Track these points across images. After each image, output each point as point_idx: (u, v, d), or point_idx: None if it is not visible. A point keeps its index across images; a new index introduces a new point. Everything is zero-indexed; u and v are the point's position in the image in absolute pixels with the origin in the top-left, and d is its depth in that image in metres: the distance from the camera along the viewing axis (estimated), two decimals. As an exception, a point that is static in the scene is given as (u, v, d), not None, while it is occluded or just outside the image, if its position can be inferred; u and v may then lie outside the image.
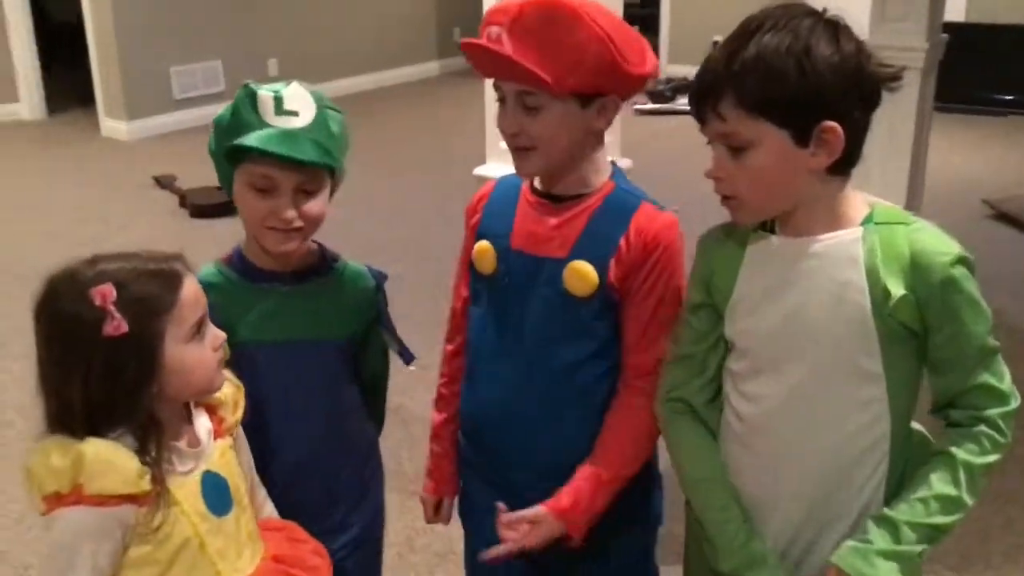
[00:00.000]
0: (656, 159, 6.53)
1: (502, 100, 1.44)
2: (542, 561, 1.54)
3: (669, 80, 8.45)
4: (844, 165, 1.24)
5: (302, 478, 1.62)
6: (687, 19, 8.93)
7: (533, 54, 1.34)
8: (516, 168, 1.48)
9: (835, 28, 1.22)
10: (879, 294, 1.23)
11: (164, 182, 5.50)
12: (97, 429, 1.26)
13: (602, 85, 1.40)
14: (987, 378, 1.26)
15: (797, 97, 1.19)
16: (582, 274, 1.44)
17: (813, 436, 1.30)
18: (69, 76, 7.63)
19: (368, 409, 1.72)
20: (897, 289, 1.22)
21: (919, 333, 1.26)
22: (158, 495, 1.26)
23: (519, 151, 1.44)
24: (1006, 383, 1.28)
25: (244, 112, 1.47)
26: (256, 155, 1.44)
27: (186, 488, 1.31)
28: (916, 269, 1.23)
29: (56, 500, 1.24)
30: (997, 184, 5.68)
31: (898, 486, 1.31)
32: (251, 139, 1.43)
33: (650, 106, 7.78)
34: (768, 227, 1.32)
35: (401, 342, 1.69)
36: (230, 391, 1.42)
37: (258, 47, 7.44)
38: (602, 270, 1.44)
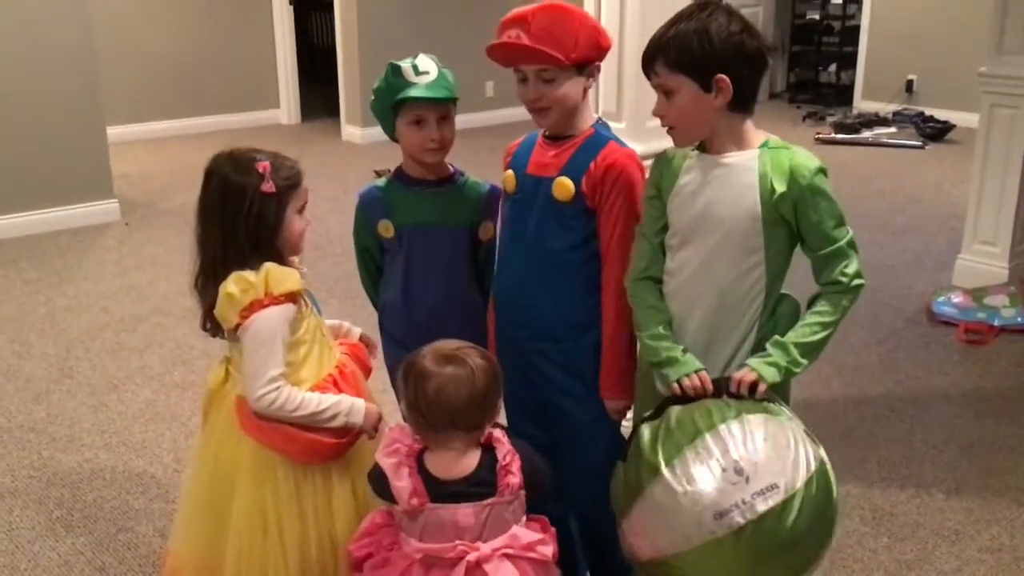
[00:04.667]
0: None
1: (523, 80, 2.06)
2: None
3: (860, 115, 8.86)
4: (739, 105, 1.89)
5: (434, 321, 2.39)
6: (882, 58, 9.25)
7: (547, 42, 1.97)
8: (537, 122, 2.12)
9: (728, 15, 1.87)
10: (767, 191, 1.87)
11: (381, 174, 6.59)
12: (249, 261, 1.94)
13: (590, 56, 2.04)
14: (836, 254, 1.89)
15: (698, 59, 1.85)
16: (563, 185, 2.08)
17: (714, 286, 1.95)
18: (323, 91, 9.00)
19: (478, 283, 2.52)
20: (780, 187, 1.87)
21: (790, 222, 1.89)
22: (301, 296, 2.02)
23: (540, 111, 2.07)
24: (849, 268, 1.89)
25: (394, 79, 2.28)
26: (412, 102, 2.27)
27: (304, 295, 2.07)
28: (792, 175, 1.87)
29: (250, 309, 1.92)
30: None
31: (768, 323, 1.96)
32: (410, 92, 2.26)
33: (832, 135, 8.22)
34: (700, 148, 1.98)
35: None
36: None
37: (478, 69, 8.48)
38: (577, 183, 2.07)
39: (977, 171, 4.71)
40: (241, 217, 1.96)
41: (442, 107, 2.30)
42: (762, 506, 1.71)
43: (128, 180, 6.55)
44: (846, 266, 1.90)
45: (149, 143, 7.90)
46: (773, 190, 1.88)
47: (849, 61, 9.67)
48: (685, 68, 1.87)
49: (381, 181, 2.47)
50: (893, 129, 8.39)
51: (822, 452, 1.84)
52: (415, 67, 2.29)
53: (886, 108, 8.94)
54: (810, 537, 1.77)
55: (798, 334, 1.91)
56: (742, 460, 1.75)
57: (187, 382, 3.80)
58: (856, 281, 1.91)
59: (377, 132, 8.00)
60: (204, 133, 8.10)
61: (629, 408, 2.21)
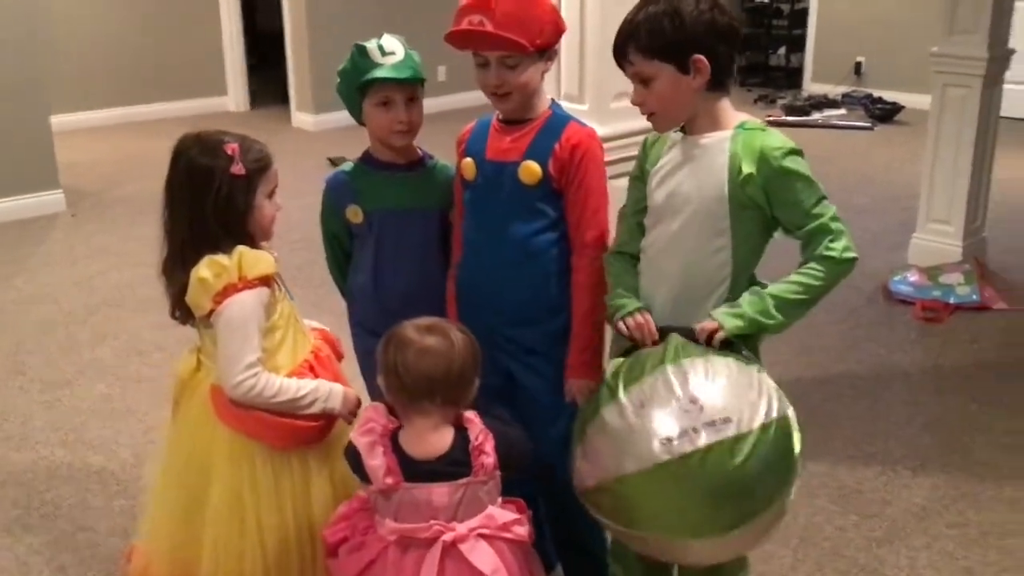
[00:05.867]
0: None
1: (483, 64, 2.03)
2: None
3: (810, 97, 8.93)
4: (716, 85, 1.87)
5: (406, 306, 2.33)
6: (831, 41, 9.33)
7: (512, 28, 1.94)
8: (498, 107, 2.10)
9: None
10: (735, 172, 1.84)
11: (336, 161, 6.49)
12: (220, 245, 1.88)
13: (551, 40, 2.03)
14: (819, 230, 1.85)
15: (672, 42, 1.82)
16: (530, 169, 2.06)
17: (679, 266, 1.94)
18: (272, 78, 8.85)
19: (448, 267, 2.47)
20: (748, 169, 1.84)
21: (761, 206, 1.86)
22: (274, 280, 1.98)
23: (501, 97, 2.05)
24: (838, 243, 1.83)
25: (360, 60, 2.24)
26: (379, 83, 2.22)
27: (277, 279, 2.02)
28: (761, 157, 1.84)
29: (224, 294, 1.86)
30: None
31: None
32: (376, 73, 2.21)
33: (783, 118, 8.27)
34: (681, 129, 1.97)
35: None
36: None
37: (430, 53, 8.41)
38: (544, 166, 2.05)
39: (930, 151, 4.76)
40: (209, 200, 1.91)
41: (409, 88, 2.26)
42: (712, 437, 1.70)
43: (74, 170, 6.38)
44: (831, 240, 1.85)
45: (94, 131, 7.72)
46: (740, 171, 1.86)
47: (798, 44, 9.73)
48: (660, 53, 1.84)
49: (348, 165, 2.43)
50: (843, 111, 8.47)
51: (790, 411, 1.82)
52: (381, 48, 2.25)
53: (835, 90, 9.02)
54: (762, 484, 1.75)
55: (779, 288, 1.86)
56: (698, 391, 1.74)
57: (143, 375, 3.71)
58: (846, 255, 1.85)
59: (329, 119, 8.11)
60: (150, 121, 7.95)
61: (595, 389, 2.19)
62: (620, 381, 1.83)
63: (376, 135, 2.33)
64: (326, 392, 1.99)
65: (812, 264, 1.87)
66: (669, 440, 1.71)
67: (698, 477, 1.71)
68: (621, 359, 1.91)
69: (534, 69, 2.04)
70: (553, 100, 2.19)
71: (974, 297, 4.36)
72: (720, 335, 1.85)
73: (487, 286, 2.18)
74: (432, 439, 1.86)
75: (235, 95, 8.72)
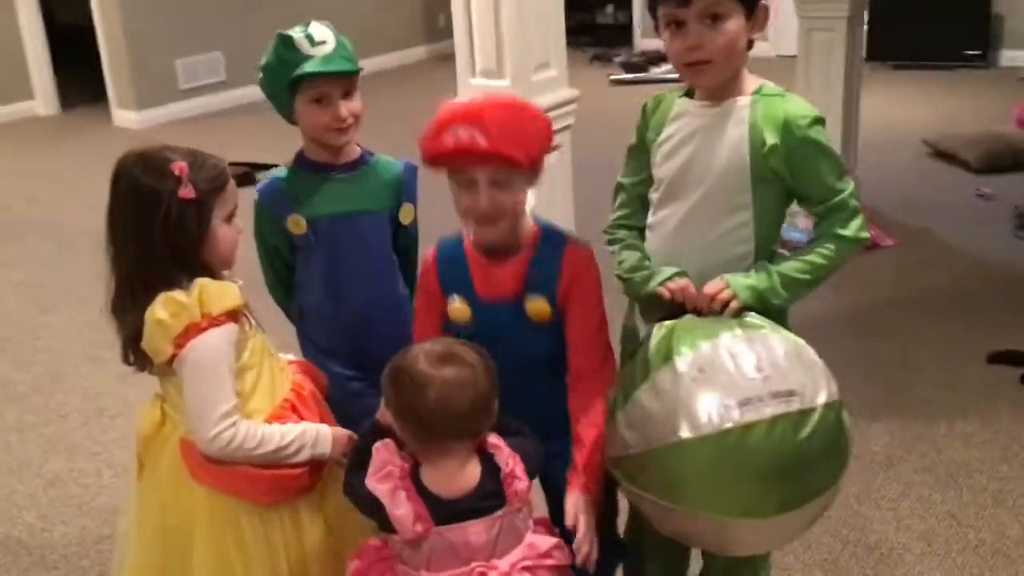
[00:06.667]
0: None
1: (470, 185, 1.72)
2: None
3: (643, 53, 9.00)
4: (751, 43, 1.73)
5: (367, 319, 2.14)
6: (655, -5, 9.42)
7: (508, 144, 1.66)
8: (483, 234, 1.79)
9: None
10: (758, 144, 1.72)
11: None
12: (175, 279, 1.65)
13: (542, 155, 1.76)
14: (837, 207, 1.76)
15: None
16: (539, 308, 1.80)
17: (696, 246, 1.81)
18: (80, 75, 8.09)
19: (403, 272, 2.24)
20: (771, 139, 1.71)
21: (784, 177, 1.74)
22: (243, 313, 1.73)
23: (488, 219, 1.75)
24: (853, 222, 1.76)
25: (287, 53, 1.99)
26: (311, 78, 1.98)
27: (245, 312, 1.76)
28: (786, 126, 1.71)
29: (186, 335, 1.63)
30: (939, 128, 6.20)
31: None
32: (307, 67, 1.98)
33: (625, 76, 8.30)
34: (687, 94, 1.82)
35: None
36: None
37: (257, 39, 7.89)
38: (551, 299, 1.80)
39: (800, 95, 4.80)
40: (156, 227, 1.65)
41: (345, 81, 2.04)
42: (778, 408, 1.56)
43: None
44: (848, 219, 1.78)
45: None
46: (764, 142, 1.73)
47: (625, 1, 9.77)
48: None
49: (281, 170, 2.17)
50: (679, 64, 8.56)
51: (835, 388, 1.69)
52: (309, 37, 2.02)
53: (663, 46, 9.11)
54: (820, 465, 1.61)
55: (787, 267, 1.78)
56: (764, 360, 1.61)
57: (24, 424, 3.29)
58: (860, 234, 1.79)
59: (155, 114, 7.53)
60: (-48, 134, 7.17)
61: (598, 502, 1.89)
62: (674, 345, 1.66)
63: (310, 134, 2.10)
64: (313, 436, 1.76)
65: (824, 242, 1.79)
66: (730, 408, 1.57)
67: (758, 450, 1.56)
68: (666, 323, 1.74)
69: (523, 189, 1.77)
70: (534, 216, 1.88)
71: (863, 236, 4.44)
72: (735, 304, 1.73)
73: (511, 401, 1.79)
74: (460, 475, 1.68)
75: (43, 97, 7.97)
